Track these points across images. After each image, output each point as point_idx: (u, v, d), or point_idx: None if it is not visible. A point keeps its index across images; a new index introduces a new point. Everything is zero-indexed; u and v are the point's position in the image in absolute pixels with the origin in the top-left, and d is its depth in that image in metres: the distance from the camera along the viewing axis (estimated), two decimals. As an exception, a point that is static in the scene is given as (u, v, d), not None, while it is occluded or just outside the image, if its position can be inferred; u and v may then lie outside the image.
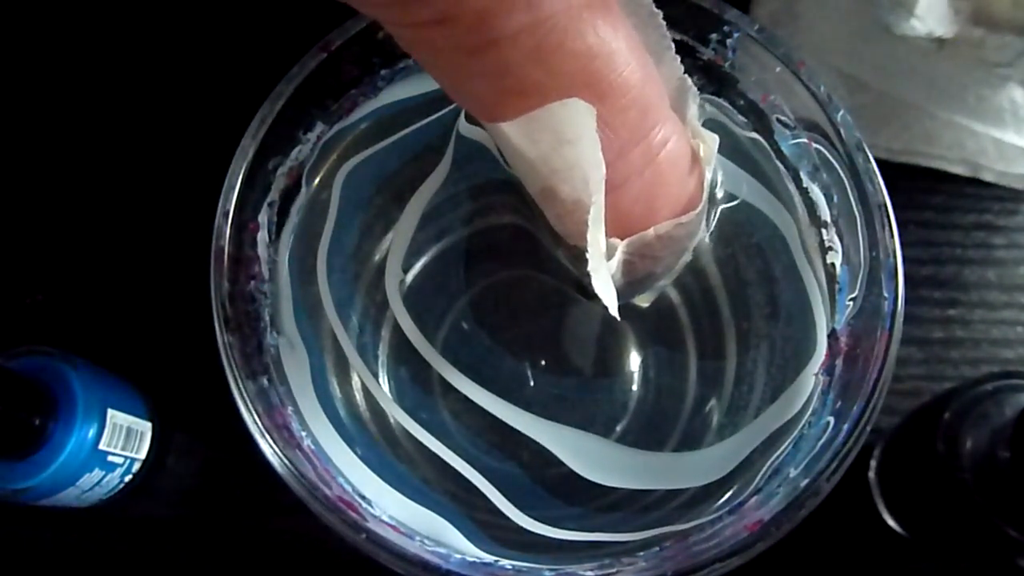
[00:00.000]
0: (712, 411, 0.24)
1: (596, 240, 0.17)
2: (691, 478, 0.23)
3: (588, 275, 0.17)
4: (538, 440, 0.23)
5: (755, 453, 0.22)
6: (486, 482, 0.23)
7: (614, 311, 0.18)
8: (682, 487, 0.23)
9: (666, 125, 0.17)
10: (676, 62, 0.19)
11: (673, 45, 0.19)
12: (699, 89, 0.20)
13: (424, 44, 0.16)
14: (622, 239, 0.18)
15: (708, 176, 0.19)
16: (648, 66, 0.17)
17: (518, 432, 0.23)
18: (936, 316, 0.38)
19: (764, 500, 0.21)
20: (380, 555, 0.20)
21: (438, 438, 0.23)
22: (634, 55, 0.16)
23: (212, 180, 0.22)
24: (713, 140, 0.19)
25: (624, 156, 0.17)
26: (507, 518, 0.22)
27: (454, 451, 0.23)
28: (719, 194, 0.23)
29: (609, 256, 0.18)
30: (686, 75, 0.19)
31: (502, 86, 0.16)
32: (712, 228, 0.22)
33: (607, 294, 0.18)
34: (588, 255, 0.17)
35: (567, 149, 0.16)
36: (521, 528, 0.22)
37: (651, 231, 0.18)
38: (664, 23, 0.18)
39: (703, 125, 0.19)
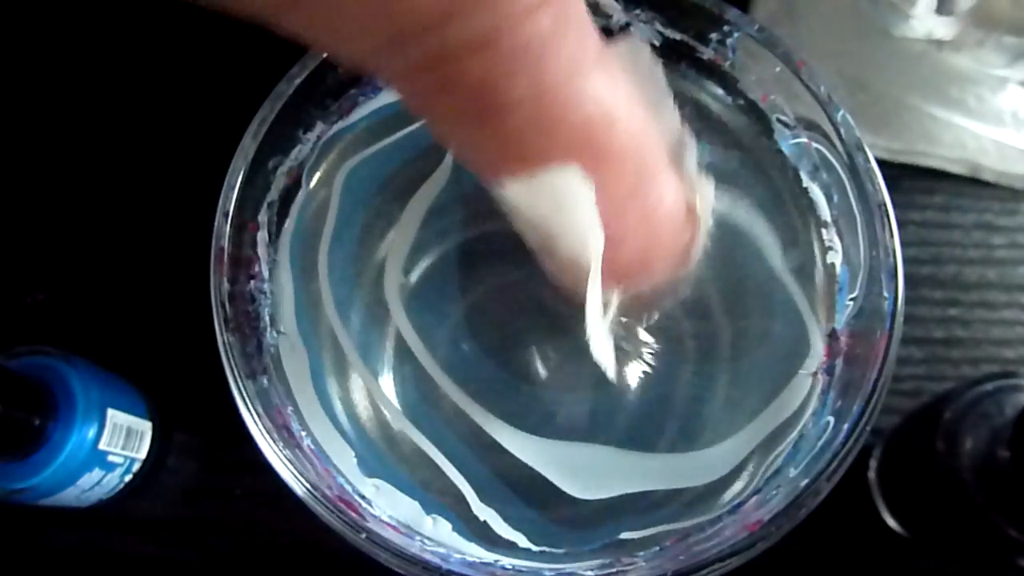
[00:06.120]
0: (709, 412, 0.24)
1: (594, 307, 0.18)
2: (690, 478, 0.23)
3: (583, 320, 0.18)
4: (527, 462, 0.23)
5: (754, 453, 0.22)
6: (473, 493, 0.23)
7: (611, 375, 0.19)
8: (681, 487, 0.23)
9: (662, 183, 0.18)
10: (675, 114, 0.19)
11: (672, 95, 0.19)
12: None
13: (427, 109, 0.16)
14: (618, 284, 0.19)
15: (702, 227, 0.19)
16: (647, 125, 0.17)
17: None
18: (936, 316, 0.38)
19: (764, 500, 0.21)
20: (380, 555, 0.20)
21: (433, 441, 0.23)
22: (633, 116, 0.16)
23: (212, 180, 0.22)
24: (709, 191, 0.19)
25: (621, 216, 0.17)
26: (492, 529, 0.22)
27: (449, 458, 0.23)
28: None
29: (604, 310, 0.19)
30: (685, 125, 0.19)
31: (503, 151, 0.16)
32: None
33: (605, 359, 0.18)
34: (587, 322, 0.18)
35: (565, 214, 0.16)
36: (505, 540, 0.22)
37: (646, 288, 0.19)
38: (663, 75, 0.18)
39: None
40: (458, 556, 0.21)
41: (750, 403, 0.23)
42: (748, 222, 0.24)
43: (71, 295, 0.38)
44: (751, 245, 0.24)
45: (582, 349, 0.25)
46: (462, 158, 0.17)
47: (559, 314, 0.25)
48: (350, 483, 0.22)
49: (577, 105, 0.15)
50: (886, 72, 0.37)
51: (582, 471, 0.23)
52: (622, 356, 0.22)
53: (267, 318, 0.23)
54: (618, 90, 0.16)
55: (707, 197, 0.19)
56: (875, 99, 0.38)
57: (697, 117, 0.24)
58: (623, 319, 0.20)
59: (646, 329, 0.23)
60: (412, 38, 0.14)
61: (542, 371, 0.24)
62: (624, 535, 0.22)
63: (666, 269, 0.19)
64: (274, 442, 0.21)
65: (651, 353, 0.24)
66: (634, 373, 0.24)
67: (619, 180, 0.17)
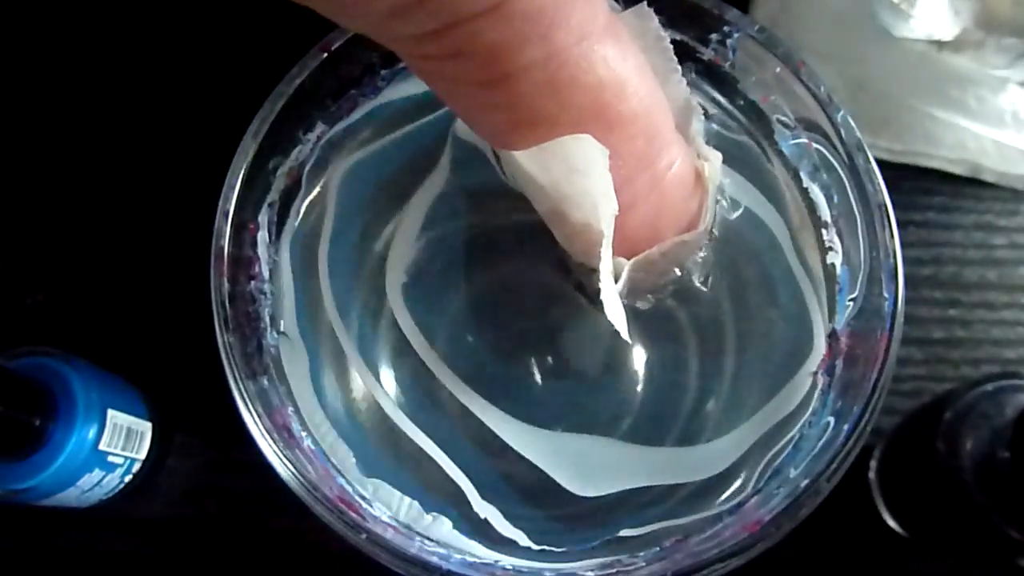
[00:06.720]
0: (712, 407, 0.24)
1: (607, 270, 0.18)
2: (690, 473, 0.23)
3: (594, 287, 0.18)
4: (528, 455, 0.23)
5: (753, 450, 0.22)
6: (475, 491, 0.23)
7: (625, 335, 0.19)
8: (681, 482, 0.23)
9: (671, 149, 0.18)
10: (682, 83, 0.19)
11: (679, 67, 0.19)
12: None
13: (438, 76, 0.16)
14: (628, 258, 0.19)
15: (711, 194, 0.19)
16: (655, 92, 0.17)
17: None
18: (936, 316, 0.38)
19: (764, 500, 0.21)
20: (380, 555, 0.20)
21: (435, 439, 0.23)
22: (643, 83, 0.17)
23: (212, 180, 0.22)
24: (716, 159, 0.20)
25: (631, 182, 0.17)
26: (493, 527, 0.22)
27: (451, 456, 0.23)
28: (720, 200, 0.23)
29: (616, 276, 0.19)
30: (691, 96, 0.19)
31: (515, 117, 0.16)
32: (713, 236, 0.23)
33: (618, 320, 0.18)
34: (600, 284, 0.18)
35: (578, 178, 0.17)
36: (505, 538, 0.22)
37: (655, 250, 0.19)
38: (671, 45, 0.18)
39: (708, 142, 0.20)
40: (458, 556, 0.21)
41: (752, 398, 0.23)
42: (760, 215, 0.24)
43: (71, 295, 0.38)
44: (764, 237, 0.24)
45: (585, 342, 0.25)
46: (473, 125, 0.17)
47: (563, 307, 0.25)
48: (350, 483, 0.22)
49: (588, 69, 0.15)
50: (886, 73, 0.37)
51: (583, 464, 0.23)
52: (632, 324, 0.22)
53: (267, 318, 0.23)
54: (627, 56, 0.16)
55: (715, 164, 0.20)
56: (875, 100, 0.38)
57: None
58: (633, 289, 0.20)
59: (654, 314, 0.23)
60: (423, 2, 0.14)
61: (544, 364, 0.24)
62: (624, 532, 0.22)
63: (674, 236, 0.19)
64: (274, 442, 0.21)
65: (657, 342, 0.24)
66: (639, 364, 0.24)
67: (629, 145, 0.17)
